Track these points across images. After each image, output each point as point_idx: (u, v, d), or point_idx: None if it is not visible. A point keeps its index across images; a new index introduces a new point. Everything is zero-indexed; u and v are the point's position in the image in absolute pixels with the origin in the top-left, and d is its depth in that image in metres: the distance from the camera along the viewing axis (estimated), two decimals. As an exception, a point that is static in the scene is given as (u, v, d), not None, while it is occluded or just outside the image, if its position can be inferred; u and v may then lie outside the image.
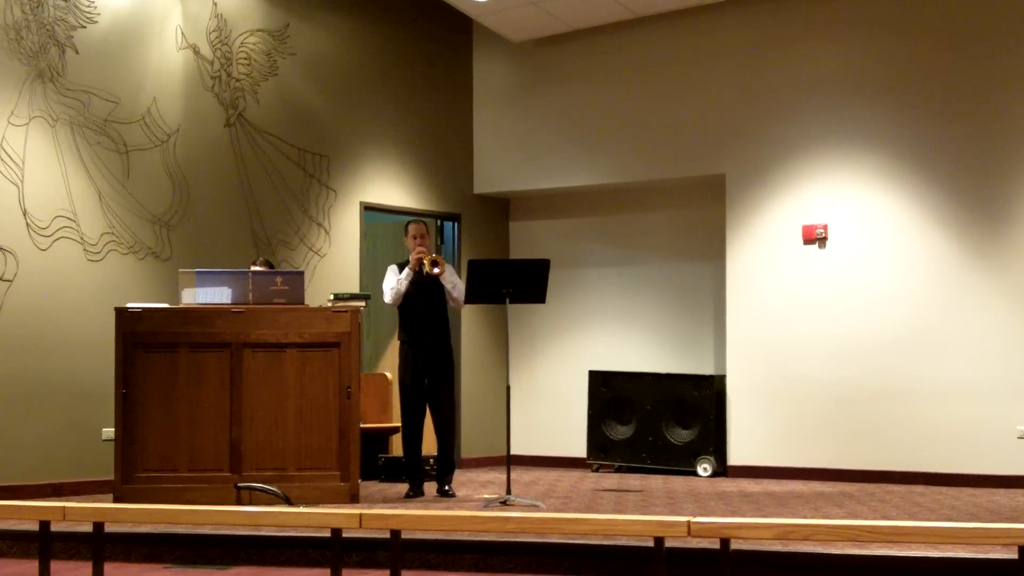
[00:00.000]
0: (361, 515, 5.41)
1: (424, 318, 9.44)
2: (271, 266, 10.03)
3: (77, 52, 9.83)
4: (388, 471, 10.83)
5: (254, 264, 9.92)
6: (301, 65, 11.41)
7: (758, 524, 5.17)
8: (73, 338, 9.65)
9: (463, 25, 12.93)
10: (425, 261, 9.28)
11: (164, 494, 8.33)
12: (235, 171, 10.83)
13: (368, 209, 11.95)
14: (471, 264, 9.23)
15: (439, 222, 12.67)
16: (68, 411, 9.60)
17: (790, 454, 11.26)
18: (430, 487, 9.58)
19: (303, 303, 8.93)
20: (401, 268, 9.47)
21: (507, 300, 9.04)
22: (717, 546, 5.13)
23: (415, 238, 9.48)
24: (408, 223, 9.71)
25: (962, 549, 6.15)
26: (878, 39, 11.12)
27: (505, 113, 13.00)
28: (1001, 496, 9.56)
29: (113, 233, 9.95)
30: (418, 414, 9.49)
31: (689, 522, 5.03)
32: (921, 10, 10.96)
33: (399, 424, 11.14)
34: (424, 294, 9.42)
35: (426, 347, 9.42)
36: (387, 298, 9.48)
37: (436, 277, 9.32)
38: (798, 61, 11.47)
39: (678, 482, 10.84)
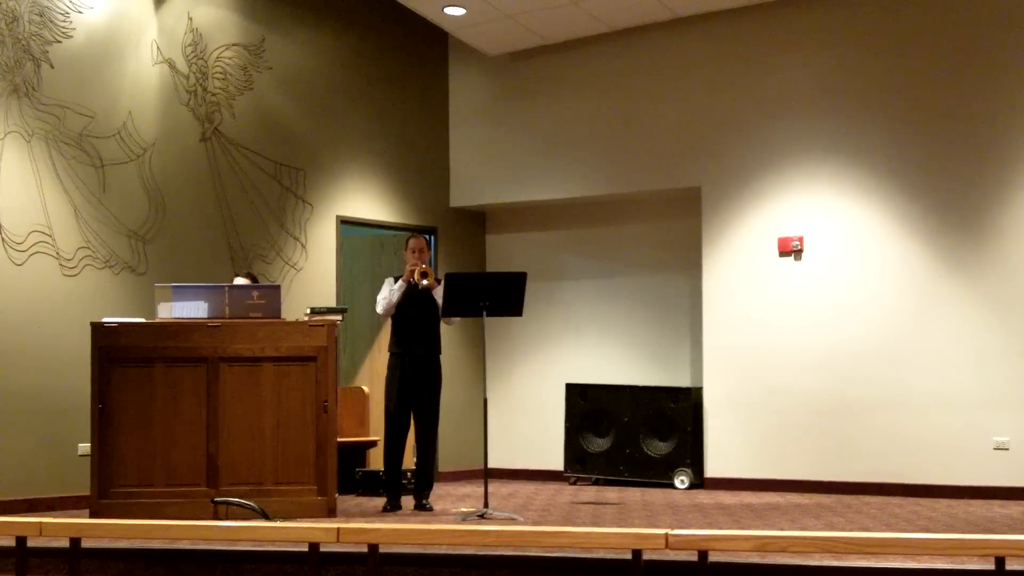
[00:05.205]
0: (339, 529, 5.40)
1: (415, 330, 9.44)
2: (254, 279, 10.02)
3: (52, 67, 9.80)
4: (365, 485, 10.81)
5: (237, 276, 9.92)
6: (277, 79, 11.41)
7: (736, 536, 5.17)
8: (49, 353, 9.61)
9: (439, 39, 12.94)
10: (416, 272, 9.31)
11: (141, 509, 8.30)
12: (211, 185, 10.81)
13: (344, 223, 11.94)
14: (448, 277, 9.23)
15: (416, 235, 12.67)
16: (44, 426, 9.55)
17: (767, 466, 11.28)
18: (407, 501, 9.56)
19: (280, 317, 8.91)
20: (397, 281, 9.49)
21: (484, 313, 9.04)
22: (695, 558, 5.13)
23: (414, 252, 9.50)
24: (409, 237, 9.74)
25: (939, 560, 6.17)
26: (852, 51, 11.17)
27: (481, 126, 13.02)
28: (978, 507, 9.60)
29: (89, 248, 9.92)
30: (402, 427, 9.47)
31: (667, 534, 5.03)
32: (894, 22, 11.01)
33: (376, 438, 11.15)
34: (417, 307, 9.42)
35: (415, 360, 9.41)
36: (379, 308, 9.49)
37: (427, 288, 9.32)
38: (772, 74, 11.52)
39: (656, 494, 10.85)
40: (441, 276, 9.47)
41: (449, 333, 12.53)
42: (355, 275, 12.34)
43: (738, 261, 11.58)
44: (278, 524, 6.92)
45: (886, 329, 10.85)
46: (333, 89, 11.95)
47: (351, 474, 10.87)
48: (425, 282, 9.30)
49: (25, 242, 9.54)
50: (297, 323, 8.96)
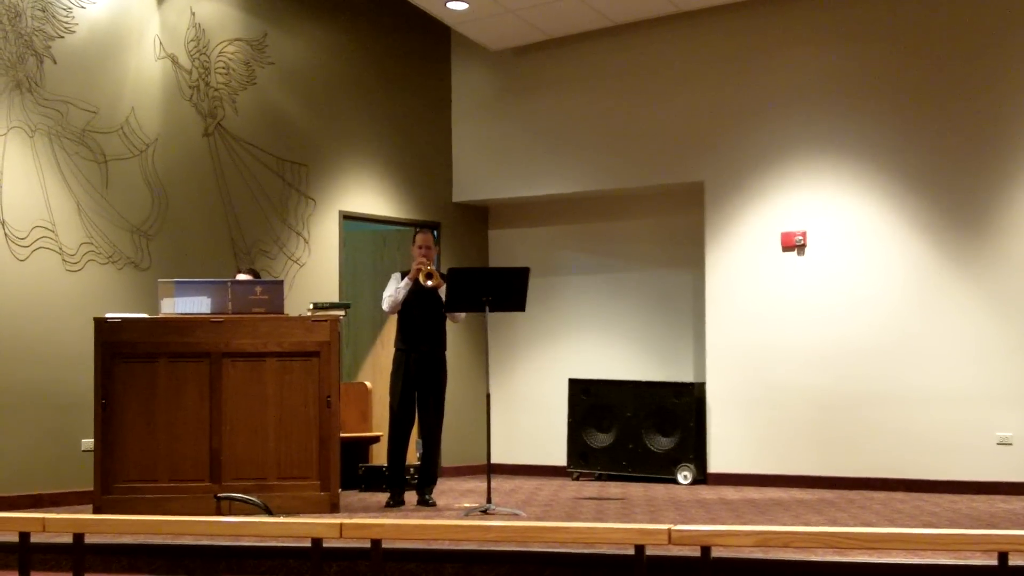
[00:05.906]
0: (341, 525, 5.39)
1: (421, 328, 9.43)
2: (256, 275, 10.01)
3: (55, 62, 9.80)
4: (368, 480, 10.80)
5: (240, 272, 9.91)
6: (280, 74, 11.40)
7: (738, 532, 5.17)
8: (52, 348, 9.61)
9: (441, 34, 12.93)
10: (421, 272, 9.30)
11: (144, 505, 8.31)
12: (214, 180, 10.81)
13: (347, 218, 11.94)
14: (451, 272, 9.23)
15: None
16: (47, 422, 9.56)
17: (770, 461, 11.27)
18: (410, 497, 9.57)
19: (282, 312, 8.91)
20: (404, 276, 9.48)
21: (487, 308, 9.04)
22: (698, 554, 5.13)
23: (420, 248, 9.49)
24: (416, 232, 9.74)
25: (943, 555, 6.17)
26: (855, 47, 11.16)
27: (484, 121, 13.01)
28: (980, 502, 9.60)
29: (92, 243, 9.92)
30: (406, 423, 9.47)
31: (670, 530, 5.02)
32: (898, 18, 11.00)
33: (379, 433, 11.15)
34: (423, 304, 9.41)
35: (420, 356, 9.41)
36: (384, 305, 9.48)
37: (432, 289, 9.32)
38: (775, 69, 11.50)
39: (658, 490, 10.85)
40: (444, 271, 9.46)
41: (452, 329, 12.54)
42: (358, 270, 12.33)
43: (741, 256, 11.57)
44: (281, 520, 6.92)
45: (889, 324, 10.84)
46: (335, 84, 11.95)
47: (354, 470, 10.87)
48: (430, 283, 9.29)
49: (28, 237, 9.54)
50: (300, 318, 8.96)
